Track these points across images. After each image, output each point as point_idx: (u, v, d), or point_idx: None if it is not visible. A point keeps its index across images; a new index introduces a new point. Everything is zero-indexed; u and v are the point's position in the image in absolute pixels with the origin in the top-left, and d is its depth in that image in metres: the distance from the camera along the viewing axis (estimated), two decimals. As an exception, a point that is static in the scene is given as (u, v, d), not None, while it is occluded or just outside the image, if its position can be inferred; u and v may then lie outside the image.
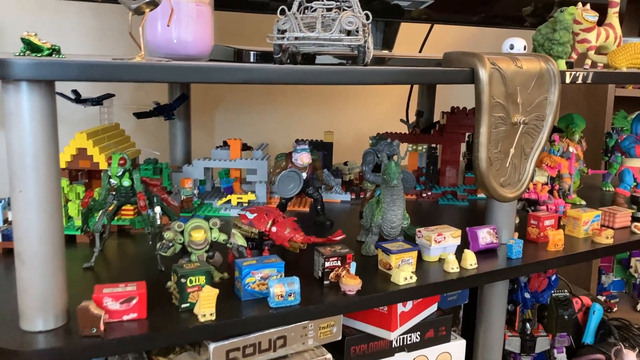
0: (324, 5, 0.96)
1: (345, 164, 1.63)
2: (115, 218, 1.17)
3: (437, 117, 1.78)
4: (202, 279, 0.83)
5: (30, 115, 0.70)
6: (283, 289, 0.85)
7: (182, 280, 0.82)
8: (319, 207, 1.28)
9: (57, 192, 0.74)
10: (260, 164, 1.37)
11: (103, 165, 1.16)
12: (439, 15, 1.50)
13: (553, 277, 1.49)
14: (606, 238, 1.19)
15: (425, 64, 1.19)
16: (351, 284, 0.90)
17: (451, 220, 1.37)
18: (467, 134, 1.56)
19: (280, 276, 0.89)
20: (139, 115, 1.38)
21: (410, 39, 1.74)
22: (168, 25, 0.86)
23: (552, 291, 1.37)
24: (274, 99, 1.89)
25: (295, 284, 0.86)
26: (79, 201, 1.14)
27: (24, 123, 0.70)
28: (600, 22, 1.39)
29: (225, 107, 1.84)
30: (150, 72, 0.71)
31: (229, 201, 1.34)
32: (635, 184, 1.49)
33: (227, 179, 1.41)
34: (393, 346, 1.12)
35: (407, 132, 1.64)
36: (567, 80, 1.03)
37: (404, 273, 0.95)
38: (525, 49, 1.11)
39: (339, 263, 0.94)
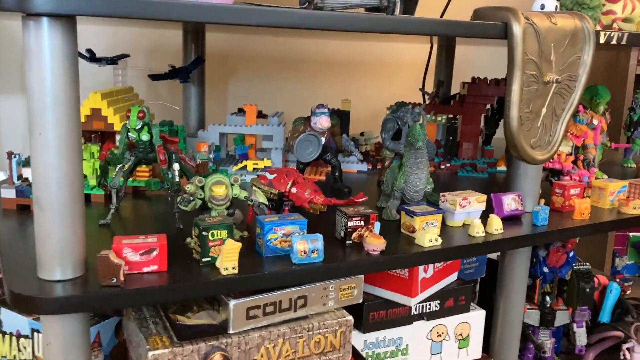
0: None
1: (362, 134, 1.60)
2: (131, 179, 1.14)
3: (454, 90, 1.74)
4: (224, 232, 0.80)
5: (51, 53, 0.67)
6: (306, 245, 0.83)
7: (204, 233, 0.79)
8: (337, 174, 1.25)
9: (77, 135, 0.71)
10: (277, 129, 1.34)
11: (118, 127, 1.13)
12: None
13: (571, 254, 1.46)
14: (634, 208, 1.16)
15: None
16: (375, 243, 0.87)
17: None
18: (487, 106, 1.52)
19: (303, 233, 0.86)
20: (154, 77, 1.35)
21: (432, 7, 1.70)
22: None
23: (573, 264, 1.34)
24: (289, 71, 1.86)
25: (319, 241, 0.83)
26: (94, 160, 1.11)
27: (44, 61, 0.67)
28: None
29: (240, 76, 1.81)
30: (165, 9, 0.68)
31: (244, 167, 1.31)
32: (659, 159, 1.45)
33: (243, 145, 1.38)
34: (412, 314, 1.10)
35: (426, 103, 1.60)
36: (602, 40, 0.99)
37: (429, 235, 0.92)
38: (557, 9, 1.07)
39: (362, 223, 0.91)
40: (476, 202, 1.03)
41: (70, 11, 0.64)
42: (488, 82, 1.50)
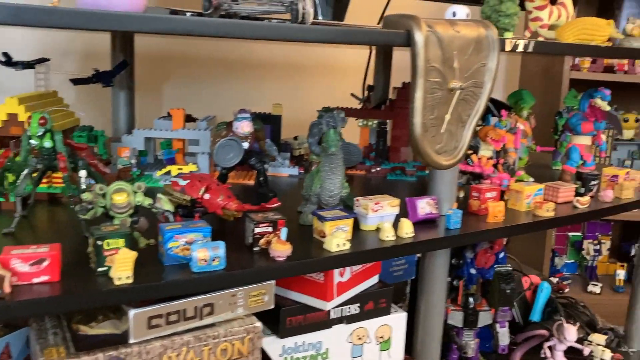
0: (260, -37, 0.93)
1: (296, 138, 1.60)
2: (47, 185, 1.12)
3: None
4: (121, 242, 0.79)
5: None
6: (207, 253, 0.82)
7: (99, 242, 0.78)
8: (261, 179, 1.25)
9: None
10: (203, 134, 1.33)
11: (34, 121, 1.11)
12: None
13: (501, 255, 1.49)
14: (547, 211, 1.19)
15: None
16: (280, 249, 0.88)
17: (396, 194, 1.35)
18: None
19: (207, 241, 0.86)
20: (76, 81, 1.33)
21: (371, 11, 1.71)
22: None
23: (496, 267, 1.37)
24: (227, 74, 1.85)
25: (220, 248, 0.83)
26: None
27: None
28: (554, 1, 1.38)
29: (176, 80, 1.79)
30: (57, 17, 0.67)
31: (169, 172, 1.30)
32: (582, 161, 1.50)
33: (169, 150, 1.37)
34: (331, 317, 1.11)
35: (358, 108, 1.61)
36: (508, 48, 1.02)
37: (336, 240, 0.93)
38: (468, 16, 1.09)
39: (270, 229, 0.91)
40: (389, 206, 1.05)
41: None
42: (417, 86, 1.52)
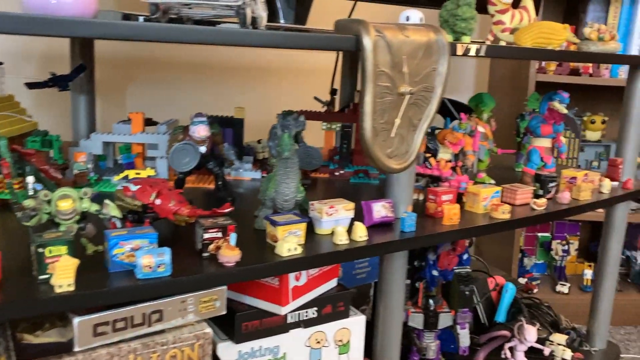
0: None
1: (259, 142, 1.60)
2: (-2, 191, 1.10)
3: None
4: (63, 249, 0.78)
5: None
6: (152, 259, 0.82)
7: (40, 250, 0.77)
8: (219, 183, 1.24)
9: None
10: (161, 138, 1.32)
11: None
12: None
13: (465, 257, 1.50)
14: (502, 213, 1.21)
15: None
16: (229, 255, 0.87)
17: (359, 198, 1.36)
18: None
19: (153, 247, 0.85)
20: (31, 85, 1.31)
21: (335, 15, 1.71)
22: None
23: (456, 269, 1.38)
24: (192, 77, 1.84)
25: (165, 254, 0.82)
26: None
27: None
28: (516, 5, 1.40)
29: (139, 83, 1.77)
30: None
31: (126, 176, 1.29)
32: (542, 163, 1.52)
33: (129, 154, 1.36)
34: (288, 322, 1.10)
35: (322, 111, 1.62)
36: (459, 52, 1.03)
37: (288, 244, 0.93)
38: (421, 21, 1.10)
39: (219, 235, 0.91)
40: (343, 209, 1.05)
41: None
42: (379, 90, 1.52)
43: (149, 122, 1.42)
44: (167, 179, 1.33)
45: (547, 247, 2.52)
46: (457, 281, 1.35)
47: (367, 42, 0.89)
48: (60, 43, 1.62)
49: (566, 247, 2.45)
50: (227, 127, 1.50)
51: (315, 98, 1.68)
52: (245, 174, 1.47)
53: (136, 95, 1.76)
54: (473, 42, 1.07)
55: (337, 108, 1.76)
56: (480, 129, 1.46)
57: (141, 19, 1.03)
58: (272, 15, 1.39)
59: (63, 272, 0.75)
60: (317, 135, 1.63)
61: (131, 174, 1.29)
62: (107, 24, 0.73)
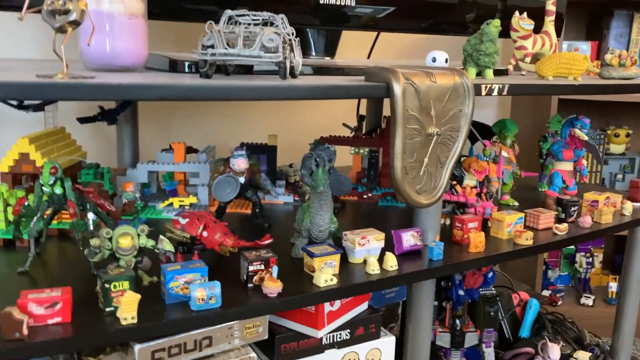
0: (252, 20, 1.01)
1: (291, 166, 1.68)
2: (56, 221, 1.20)
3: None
4: (126, 284, 0.87)
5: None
6: (204, 292, 0.90)
7: (106, 285, 0.86)
8: (257, 210, 1.33)
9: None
10: (203, 167, 1.41)
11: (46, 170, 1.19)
12: (384, 24, 1.55)
13: (490, 274, 1.56)
14: (526, 240, 1.27)
15: (357, 72, 1.25)
16: (272, 287, 0.95)
17: (387, 221, 1.44)
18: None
19: (204, 280, 0.94)
20: (83, 120, 1.41)
21: (361, 44, 1.80)
22: (88, 44, 0.89)
23: (480, 289, 1.45)
24: (226, 106, 1.93)
25: (216, 288, 0.91)
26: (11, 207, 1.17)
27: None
28: (537, 30, 1.46)
29: (179, 113, 1.88)
30: (56, 90, 0.75)
31: (171, 204, 1.38)
32: (564, 186, 1.57)
33: (171, 182, 1.45)
34: (323, 343, 1.18)
35: (350, 136, 1.69)
36: (483, 93, 1.09)
37: (324, 275, 1.01)
38: (447, 61, 1.17)
39: (262, 267, 0.99)
40: (375, 240, 1.12)
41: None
42: (406, 116, 1.59)
43: (188, 150, 1.52)
44: (209, 205, 1.42)
45: (571, 260, 2.55)
46: (483, 303, 1.41)
47: (397, 89, 0.97)
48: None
49: (590, 260, 2.48)
50: (261, 154, 1.59)
51: (344, 125, 1.76)
52: (279, 198, 1.55)
53: (176, 123, 1.86)
54: (491, 82, 1.13)
55: (363, 130, 1.83)
56: (504, 154, 1.52)
57: (186, 64, 1.12)
58: (304, 48, 1.47)
59: (127, 307, 0.84)
60: (346, 157, 1.70)
61: (175, 202, 1.38)
62: (167, 86, 0.82)
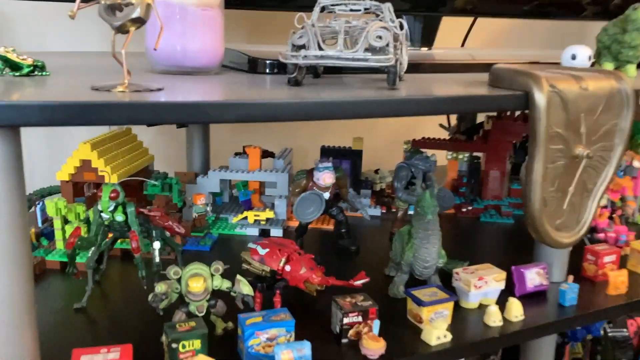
0: (350, 10, 0.81)
1: (377, 171, 1.48)
2: (119, 241, 1.06)
3: (480, 117, 1.60)
4: (197, 342, 0.71)
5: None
6: (291, 355, 0.73)
7: (174, 345, 0.70)
8: (343, 230, 1.14)
9: (24, 262, 0.62)
10: (281, 176, 1.24)
11: (108, 179, 1.05)
12: (483, 8, 1.33)
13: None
14: (679, 279, 1.02)
15: (467, 69, 1.03)
16: (373, 348, 0.77)
17: (493, 242, 1.22)
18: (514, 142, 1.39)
19: (290, 337, 0.76)
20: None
21: (452, 31, 1.56)
22: (155, 49, 0.72)
23: (608, 329, 1.21)
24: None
25: (306, 349, 0.73)
26: (78, 221, 1.03)
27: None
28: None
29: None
30: (116, 112, 0.59)
31: (245, 218, 1.22)
32: None
33: (245, 192, 1.28)
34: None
35: (447, 138, 1.47)
36: (638, 99, 0.85)
37: (436, 331, 0.81)
38: (590, 59, 0.93)
39: (360, 319, 0.81)
40: (494, 281, 0.91)
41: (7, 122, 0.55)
42: (515, 117, 1.36)
43: (264, 154, 1.35)
44: (286, 220, 1.25)
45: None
46: (612, 346, 1.18)
47: (541, 99, 0.74)
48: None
49: None
50: (345, 159, 1.39)
51: (441, 125, 1.54)
52: (367, 213, 1.35)
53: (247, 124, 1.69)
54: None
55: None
56: (637, 163, 1.26)
57: (267, 64, 0.93)
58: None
59: (200, 376, 0.68)
60: (439, 157, 1.48)
61: (250, 216, 1.22)
62: (259, 104, 0.64)
